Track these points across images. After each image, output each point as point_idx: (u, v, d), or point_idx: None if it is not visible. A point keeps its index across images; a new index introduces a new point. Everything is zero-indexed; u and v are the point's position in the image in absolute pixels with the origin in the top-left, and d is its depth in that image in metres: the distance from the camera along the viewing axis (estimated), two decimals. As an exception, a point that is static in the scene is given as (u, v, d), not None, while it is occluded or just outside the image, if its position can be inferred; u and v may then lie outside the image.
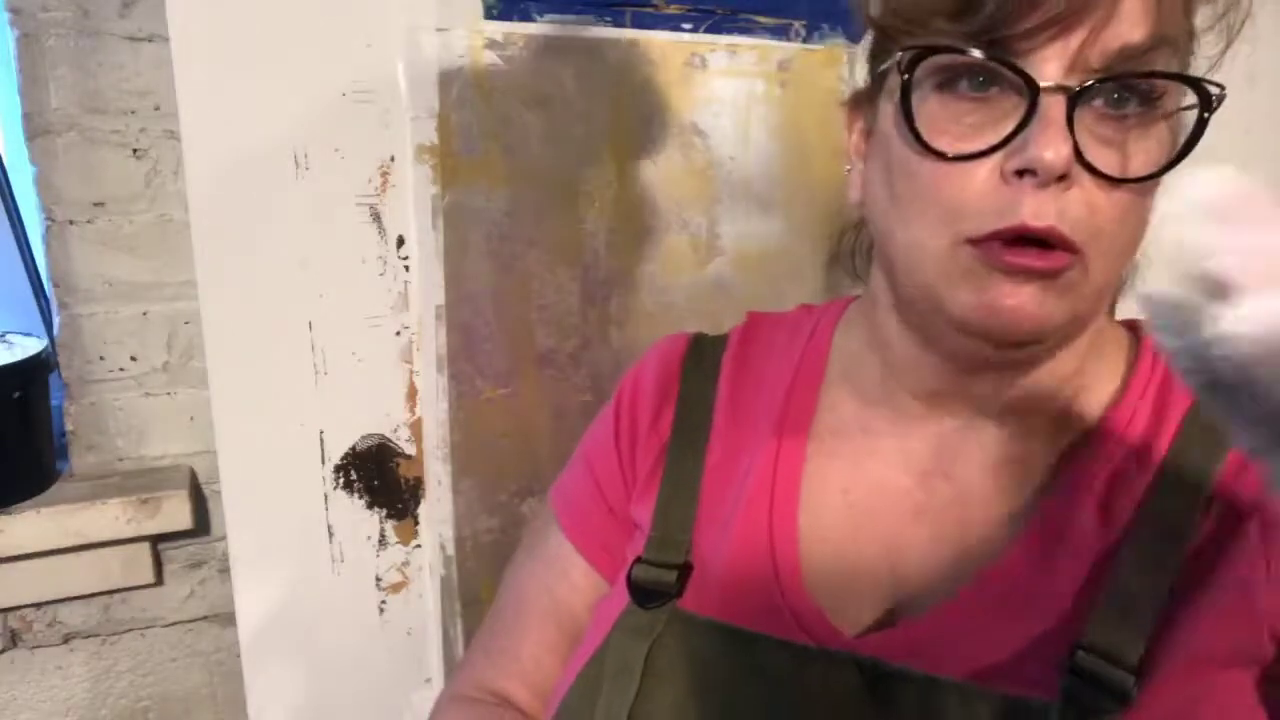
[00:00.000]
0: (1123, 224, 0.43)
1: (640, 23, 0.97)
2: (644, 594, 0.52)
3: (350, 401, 0.92)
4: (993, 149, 0.42)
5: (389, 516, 0.96)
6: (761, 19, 1.02)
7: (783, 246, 1.09)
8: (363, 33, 0.87)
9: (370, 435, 0.94)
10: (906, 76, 0.44)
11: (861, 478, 0.53)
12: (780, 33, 1.03)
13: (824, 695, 0.47)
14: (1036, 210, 0.41)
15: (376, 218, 0.90)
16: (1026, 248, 0.42)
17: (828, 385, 0.57)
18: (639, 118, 0.99)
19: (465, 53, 0.90)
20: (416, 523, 0.97)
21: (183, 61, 0.82)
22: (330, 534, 0.94)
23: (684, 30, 0.99)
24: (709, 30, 1.00)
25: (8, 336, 1.04)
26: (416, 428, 0.95)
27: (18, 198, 1.03)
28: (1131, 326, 0.55)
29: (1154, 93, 0.42)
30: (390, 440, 0.95)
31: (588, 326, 1.01)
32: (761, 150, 1.05)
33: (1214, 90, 0.42)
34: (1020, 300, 0.43)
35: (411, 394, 0.94)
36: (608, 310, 1.01)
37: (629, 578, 0.53)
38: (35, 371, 0.99)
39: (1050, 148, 0.40)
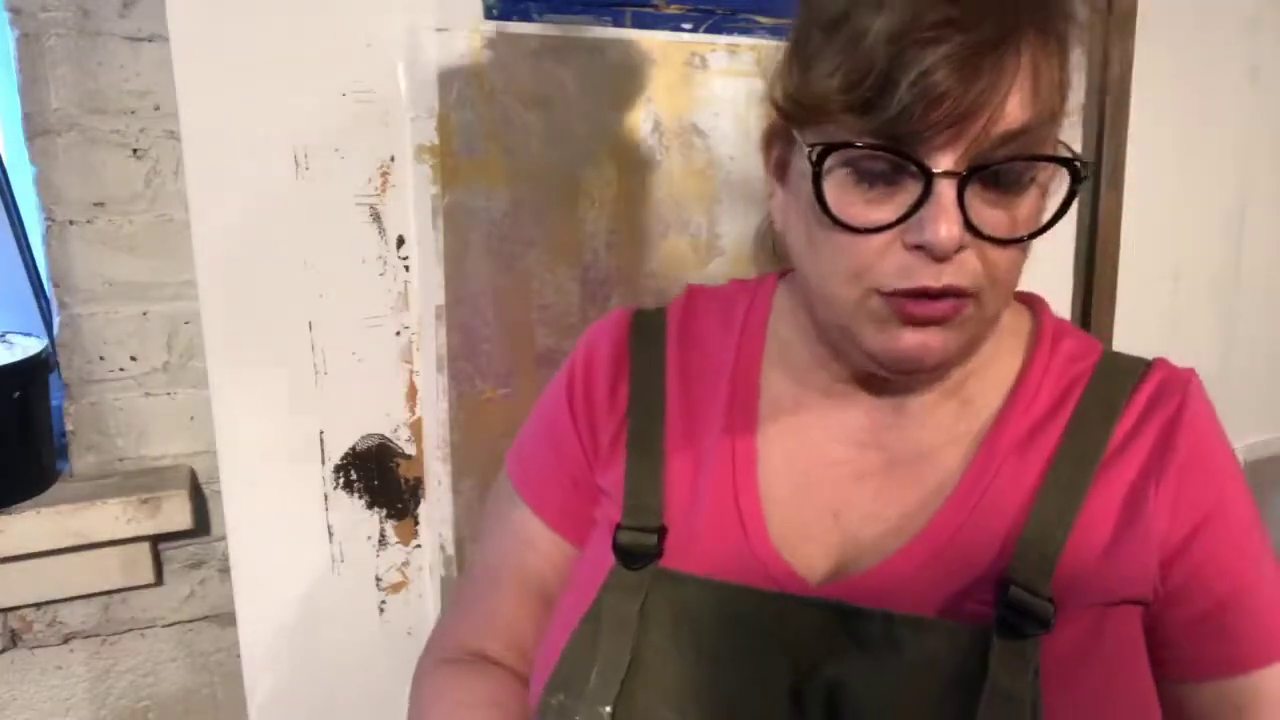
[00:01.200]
0: (1011, 268, 0.52)
1: (640, 23, 0.97)
2: (629, 556, 0.58)
3: (350, 401, 0.92)
4: (893, 224, 0.49)
5: (389, 516, 0.96)
6: (761, 19, 1.02)
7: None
8: (363, 33, 0.87)
9: (370, 435, 0.94)
10: (816, 168, 0.51)
11: (803, 448, 0.60)
12: (780, 33, 1.03)
13: (797, 633, 0.53)
14: (934, 274, 0.49)
15: (376, 218, 0.90)
16: (927, 300, 0.50)
17: (767, 365, 0.64)
18: (639, 118, 0.99)
19: (465, 53, 0.90)
20: (416, 523, 0.97)
21: (183, 61, 0.82)
22: (330, 534, 0.94)
23: (684, 30, 0.99)
24: (709, 30, 1.00)
25: (8, 336, 1.04)
26: (416, 428, 0.95)
27: (18, 198, 1.03)
28: (1029, 302, 0.63)
29: (1032, 167, 0.50)
30: (390, 440, 0.95)
31: (588, 326, 1.00)
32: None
33: (1079, 165, 0.50)
34: (923, 340, 0.51)
35: (411, 394, 0.94)
36: (607, 310, 1.01)
37: (615, 543, 0.58)
38: (35, 371, 0.99)
39: (943, 228, 0.48)
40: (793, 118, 0.54)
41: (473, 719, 0.60)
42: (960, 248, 0.49)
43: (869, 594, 0.53)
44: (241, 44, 0.83)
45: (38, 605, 1.03)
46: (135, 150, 0.99)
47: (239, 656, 0.93)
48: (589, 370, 0.67)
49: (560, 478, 0.66)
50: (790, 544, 0.57)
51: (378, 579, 0.96)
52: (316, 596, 0.94)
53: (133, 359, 1.03)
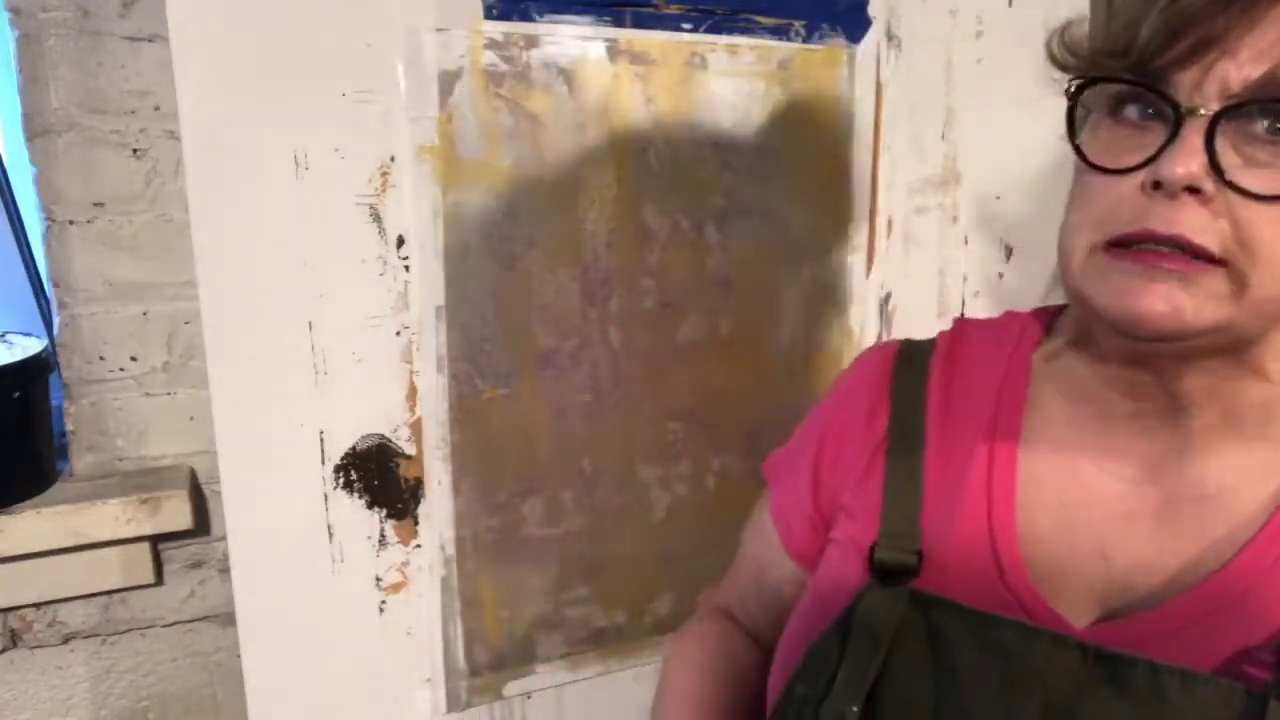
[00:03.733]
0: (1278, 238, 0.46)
1: (640, 23, 0.97)
2: (886, 573, 0.57)
3: (350, 401, 0.92)
4: (1139, 166, 0.47)
5: (389, 516, 0.96)
6: (761, 19, 1.02)
7: (783, 246, 1.09)
8: (363, 33, 0.87)
9: (370, 435, 0.94)
10: (1071, 104, 0.51)
11: (1071, 480, 0.56)
12: (780, 33, 1.03)
13: (1051, 671, 0.50)
14: (1166, 218, 0.46)
15: (376, 218, 0.90)
16: (1157, 250, 0.47)
17: (1035, 386, 0.60)
18: (639, 117, 0.99)
19: (465, 53, 0.90)
20: (416, 523, 0.97)
21: (183, 61, 0.82)
22: (330, 534, 0.94)
23: (684, 30, 0.99)
24: (709, 30, 1.00)
25: (8, 336, 1.04)
26: (416, 428, 0.95)
27: (18, 198, 1.03)
28: None
29: None
30: (390, 440, 0.95)
31: (588, 326, 1.01)
32: (761, 150, 1.05)
33: None
34: (1150, 297, 0.47)
35: (411, 394, 0.94)
36: (608, 310, 1.01)
37: (872, 558, 0.58)
38: (35, 371, 0.99)
39: (1179, 164, 0.45)
40: (1065, 66, 0.53)
41: (693, 679, 0.70)
42: (1198, 191, 0.45)
43: (1134, 642, 0.50)
44: (241, 44, 0.83)
45: (38, 605, 1.04)
46: (135, 150, 0.99)
47: (239, 656, 0.93)
48: (848, 393, 0.69)
49: (802, 500, 0.68)
50: (1051, 583, 0.54)
51: (378, 579, 0.96)
52: (316, 596, 0.94)
53: (133, 359, 1.03)
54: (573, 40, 0.94)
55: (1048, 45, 0.54)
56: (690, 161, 1.02)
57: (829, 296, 1.13)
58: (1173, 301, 0.47)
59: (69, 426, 1.03)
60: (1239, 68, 0.45)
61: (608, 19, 0.95)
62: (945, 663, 0.53)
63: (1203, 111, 0.45)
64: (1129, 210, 0.48)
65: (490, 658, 1.02)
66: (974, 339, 0.65)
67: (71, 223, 0.99)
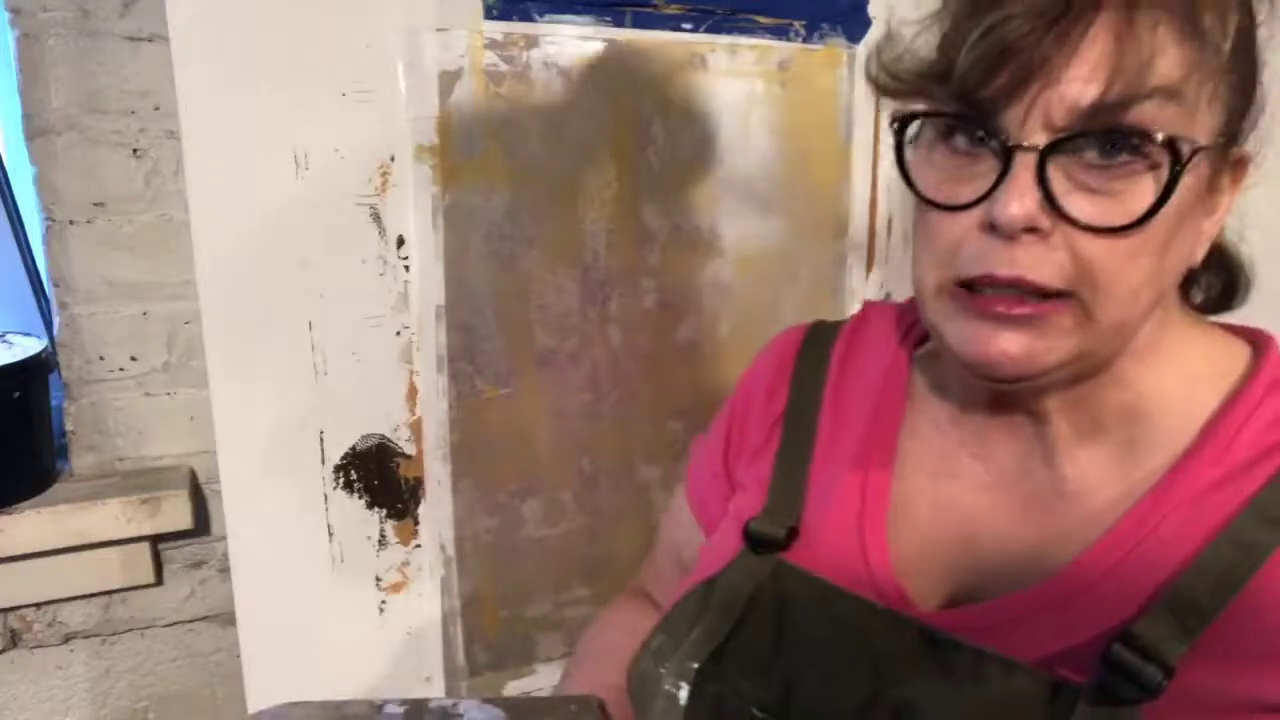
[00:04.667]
0: (1125, 265, 0.45)
1: (640, 23, 0.97)
2: (756, 542, 0.59)
3: (350, 401, 0.92)
4: (975, 203, 0.46)
5: (389, 516, 0.96)
6: (761, 19, 1.02)
7: (783, 246, 1.09)
8: (363, 33, 0.87)
9: (370, 435, 0.94)
10: (898, 136, 0.49)
11: (944, 471, 0.58)
12: (780, 33, 1.03)
13: (887, 649, 0.52)
14: (1006, 259, 0.45)
15: (376, 218, 0.90)
16: (1002, 295, 0.46)
17: (917, 379, 0.62)
18: (639, 118, 0.99)
19: (465, 53, 0.90)
20: (416, 523, 0.97)
21: (183, 61, 0.82)
22: (330, 534, 0.94)
23: (684, 30, 0.99)
24: (709, 30, 1.00)
25: (8, 336, 1.04)
26: (416, 428, 0.95)
27: (18, 198, 1.03)
28: (1254, 340, 0.55)
29: (1139, 145, 0.44)
30: (390, 440, 0.95)
31: (588, 326, 1.01)
32: (761, 150, 1.05)
33: (1184, 148, 0.44)
34: (1001, 344, 0.47)
35: (411, 394, 0.94)
36: (608, 310, 1.01)
37: (746, 529, 0.60)
38: (35, 371, 0.99)
39: (1013, 204, 0.44)
40: (886, 91, 0.51)
41: (612, 634, 0.73)
42: (1041, 231, 0.45)
43: (977, 628, 0.51)
44: (241, 44, 0.83)
45: (38, 605, 1.04)
46: (135, 150, 0.99)
47: (239, 656, 0.93)
48: (756, 373, 0.70)
49: (712, 469, 0.71)
50: (910, 565, 0.56)
51: (378, 579, 0.96)
52: (316, 596, 0.94)
53: (133, 359, 1.03)
54: (573, 40, 0.94)
55: (866, 67, 0.52)
56: (690, 161, 1.02)
57: (829, 296, 1.13)
58: (1023, 346, 0.47)
59: (69, 426, 1.03)
60: (1062, 98, 0.43)
61: (608, 19, 0.95)
62: (791, 631, 0.55)
63: (1030, 145, 0.44)
64: (970, 250, 0.47)
65: (490, 658, 1.02)
66: (874, 324, 0.66)
67: (71, 223, 0.99)
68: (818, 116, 1.08)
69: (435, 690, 1.00)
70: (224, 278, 0.86)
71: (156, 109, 0.99)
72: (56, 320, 1.01)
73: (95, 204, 0.99)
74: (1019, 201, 0.44)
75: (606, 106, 0.97)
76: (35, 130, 0.96)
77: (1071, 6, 0.43)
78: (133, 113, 0.99)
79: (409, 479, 0.96)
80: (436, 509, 0.97)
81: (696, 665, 0.55)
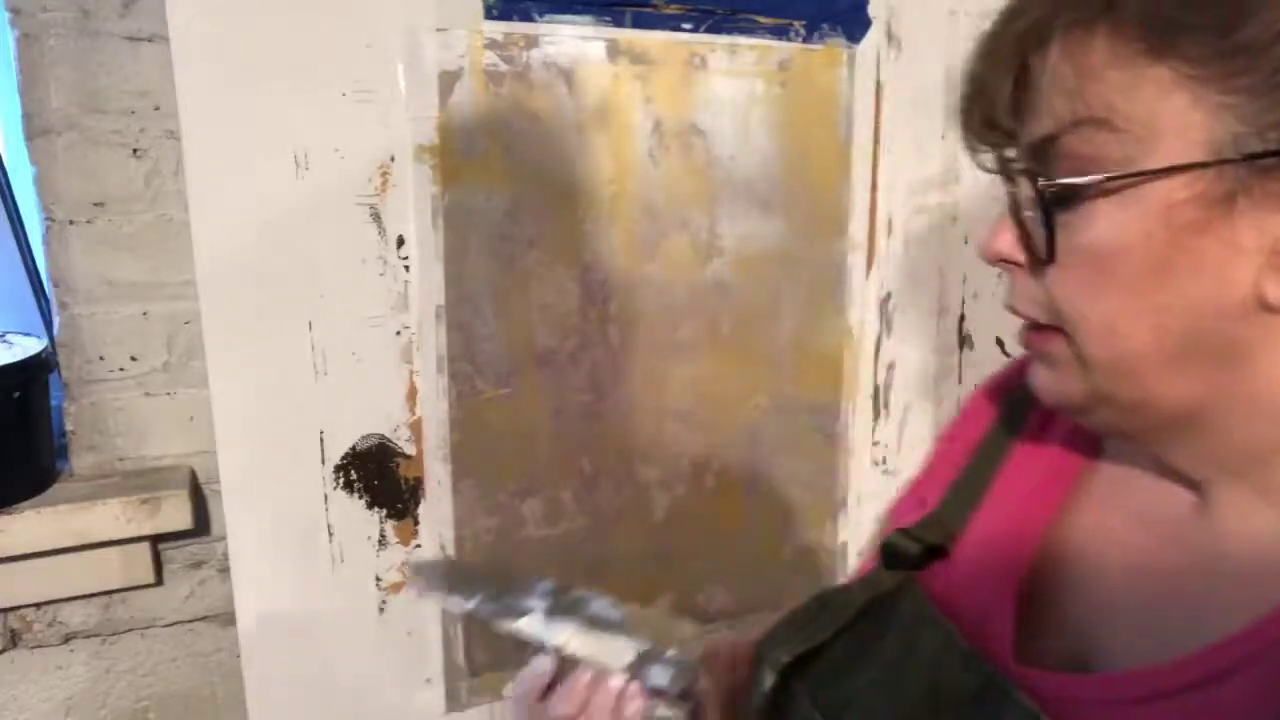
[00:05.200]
0: (1088, 302, 0.44)
1: (640, 23, 0.97)
2: (890, 557, 0.59)
3: (350, 401, 0.92)
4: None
5: (389, 516, 0.96)
6: (761, 19, 1.02)
7: (783, 246, 1.09)
8: (363, 33, 0.87)
9: (370, 435, 0.94)
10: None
11: (1103, 528, 0.55)
12: (780, 33, 1.03)
13: (951, 684, 0.51)
14: (1011, 294, 0.48)
15: (376, 218, 0.90)
16: (1025, 327, 0.48)
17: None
18: (639, 118, 0.99)
19: (465, 53, 0.90)
20: (416, 523, 0.97)
21: (183, 61, 0.82)
22: (330, 534, 0.94)
23: (684, 30, 0.99)
24: (709, 30, 1.00)
25: (8, 336, 1.04)
26: (416, 428, 0.95)
27: (18, 198, 1.03)
28: None
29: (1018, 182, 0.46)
30: (390, 440, 0.95)
31: (588, 326, 1.01)
32: (761, 150, 1.05)
33: (1042, 183, 0.44)
34: (1031, 374, 0.50)
35: (411, 394, 0.94)
36: (608, 310, 1.01)
37: (884, 541, 0.60)
38: (35, 371, 0.99)
39: (992, 240, 0.47)
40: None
41: None
42: (1009, 262, 0.47)
43: (1093, 700, 0.46)
44: (241, 44, 0.83)
45: (38, 605, 1.03)
46: (135, 150, 0.99)
47: (239, 656, 0.93)
48: (976, 396, 0.68)
49: (909, 487, 0.70)
50: (1038, 619, 0.52)
51: (378, 579, 0.96)
52: (316, 596, 0.94)
53: (133, 359, 1.03)
54: (573, 40, 0.94)
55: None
56: (690, 161, 1.02)
57: (829, 296, 1.13)
58: (1044, 378, 0.49)
59: (69, 426, 1.03)
60: (1023, 134, 0.45)
61: (608, 19, 0.95)
62: (876, 647, 0.55)
63: (1009, 184, 0.46)
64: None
65: (490, 658, 1.02)
66: None
67: (71, 223, 0.99)
68: (818, 116, 1.08)
69: (435, 690, 1.00)
70: (224, 278, 0.86)
71: (156, 109, 0.99)
72: (56, 320, 1.01)
73: (95, 204, 0.99)
74: (995, 237, 0.47)
75: (606, 107, 0.97)
76: (35, 130, 0.96)
77: (1013, 48, 0.44)
78: (133, 113, 0.98)
79: (409, 479, 0.96)
80: (436, 509, 0.97)
81: (786, 660, 0.56)
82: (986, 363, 1.25)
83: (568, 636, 0.62)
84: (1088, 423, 0.50)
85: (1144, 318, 0.43)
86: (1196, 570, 0.48)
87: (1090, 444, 0.58)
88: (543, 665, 0.61)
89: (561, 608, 0.64)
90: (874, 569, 0.60)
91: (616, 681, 0.60)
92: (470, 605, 0.63)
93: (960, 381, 1.24)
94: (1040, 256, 0.45)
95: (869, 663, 0.55)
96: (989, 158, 0.48)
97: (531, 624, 0.62)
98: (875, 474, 1.21)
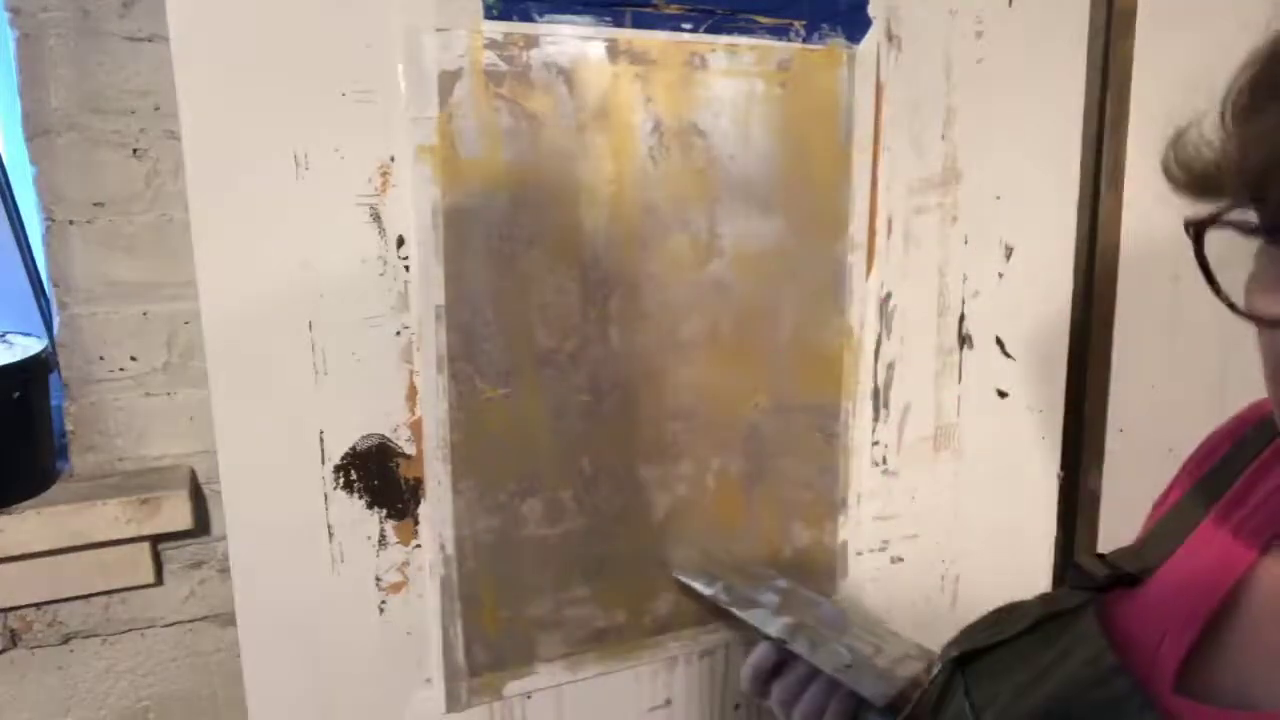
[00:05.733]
0: None
1: (640, 23, 0.97)
2: (1076, 575, 0.59)
3: (350, 401, 0.92)
4: None
5: (389, 516, 0.96)
6: (761, 19, 1.02)
7: (783, 246, 1.09)
8: (363, 33, 0.87)
9: (370, 435, 0.94)
10: (1197, 243, 0.42)
11: None
12: (780, 33, 1.03)
13: (1087, 701, 0.50)
14: None
15: (376, 218, 0.90)
16: None
17: None
18: (639, 118, 0.99)
19: (465, 53, 0.90)
20: (416, 523, 0.97)
21: (183, 61, 0.82)
22: (330, 534, 0.94)
23: (684, 30, 0.99)
24: (709, 30, 1.00)
25: (8, 336, 1.04)
26: (416, 428, 0.95)
27: (18, 198, 1.03)
28: None
29: None
30: (390, 440, 0.95)
31: (588, 326, 1.01)
32: (761, 150, 1.05)
33: None
34: None
35: (411, 394, 0.94)
36: (608, 310, 1.01)
37: (1074, 560, 0.62)
38: (35, 371, 0.99)
39: None
40: (1178, 183, 0.46)
41: None
42: None
43: None
44: (241, 44, 0.83)
45: (38, 605, 1.03)
46: (135, 150, 0.99)
47: (239, 656, 0.93)
48: (1221, 428, 0.65)
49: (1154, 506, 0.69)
50: (1213, 655, 0.51)
51: (378, 579, 0.96)
52: (316, 596, 0.94)
53: (133, 359, 1.03)
54: (573, 40, 0.94)
55: (1164, 163, 0.46)
56: (690, 161, 1.02)
57: (829, 296, 1.13)
58: None
59: (69, 426, 1.03)
60: None
61: (608, 19, 0.95)
62: (1033, 659, 0.55)
63: None
64: None
65: (490, 658, 1.02)
66: None
67: (71, 223, 0.99)
68: (818, 116, 1.08)
69: (435, 690, 1.00)
70: (224, 278, 0.86)
71: (156, 109, 0.99)
72: (56, 320, 1.01)
73: (95, 204, 0.99)
74: None
75: (606, 106, 0.97)
76: (35, 130, 0.96)
77: None
78: (133, 113, 0.99)
79: (409, 479, 0.96)
80: (436, 509, 0.97)
81: (954, 655, 0.58)
82: (986, 363, 1.26)
83: (790, 634, 0.67)
84: None
85: None
86: None
87: None
88: (765, 652, 0.67)
89: (790, 604, 0.70)
90: (1061, 588, 0.60)
91: (823, 683, 0.64)
92: (710, 591, 0.74)
93: (960, 381, 1.24)
94: None
95: (1024, 669, 0.55)
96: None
97: (759, 617, 0.69)
98: (875, 474, 1.21)
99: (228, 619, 1.07)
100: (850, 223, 1.12)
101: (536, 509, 1.02)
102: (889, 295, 1.17)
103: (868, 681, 0.64)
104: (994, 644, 0.58)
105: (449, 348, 0.95)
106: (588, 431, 1.02)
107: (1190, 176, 0.43)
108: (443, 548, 0.98)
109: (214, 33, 0.82)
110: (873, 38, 1.09)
